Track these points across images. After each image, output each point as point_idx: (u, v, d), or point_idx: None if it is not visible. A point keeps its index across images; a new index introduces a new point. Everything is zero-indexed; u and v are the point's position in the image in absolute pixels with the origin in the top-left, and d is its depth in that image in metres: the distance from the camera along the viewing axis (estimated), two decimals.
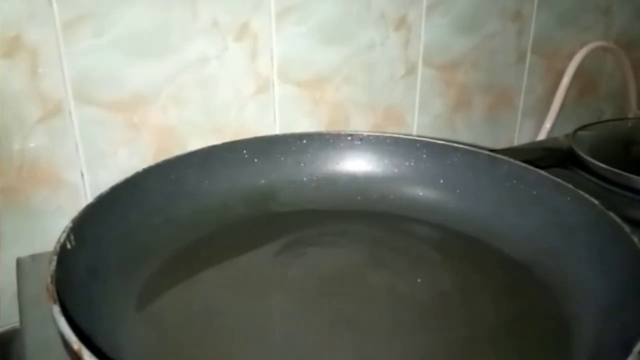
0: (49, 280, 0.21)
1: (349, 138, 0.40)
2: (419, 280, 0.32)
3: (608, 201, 0.30)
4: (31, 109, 0.40)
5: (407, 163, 0.39)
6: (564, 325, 0.27)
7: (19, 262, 0.35)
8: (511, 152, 0.39)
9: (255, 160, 0.39)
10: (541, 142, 0.61)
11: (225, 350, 0.26)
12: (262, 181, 0.38)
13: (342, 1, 0.49)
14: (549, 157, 0.47)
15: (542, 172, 0.34)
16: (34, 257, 0.36)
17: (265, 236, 0.36)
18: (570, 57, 0.67)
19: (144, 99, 0.43)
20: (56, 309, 0.19)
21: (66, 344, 0.18)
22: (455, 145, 0.38)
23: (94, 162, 0.43)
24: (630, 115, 0.72)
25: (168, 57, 0.43)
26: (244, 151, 0.38)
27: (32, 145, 0.40)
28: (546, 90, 0.68)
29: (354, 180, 0.40)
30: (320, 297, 0.31)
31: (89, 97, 0.41)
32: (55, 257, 0.23)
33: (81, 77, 0.41)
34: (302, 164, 0.40)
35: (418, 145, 0.39)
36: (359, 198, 0.39)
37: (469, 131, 0.62)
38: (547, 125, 0.67)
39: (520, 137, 0.67)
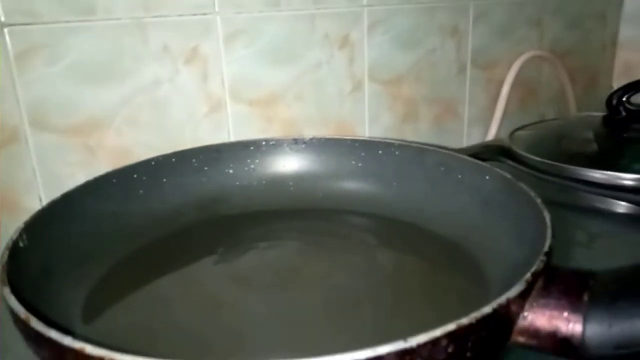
0: (0, 270, 0.22)
1: (294, 142, 0.43)
2: (359, 263, 0.34)
3: (541, 189, 0.33)
4: None
5: (347, 162, 0.42)
6: (484, 283, 0.30)
7: None
8: (454, 151, 0.42)
9: (205, 168, 0.41)
10: (483, 142, 0.65)
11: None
12: (213, 187, 0.40)
13: (287, 23, 0.52)
14: (487, 153, 0.51)
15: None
16: None
17: (215, 237, 0.38)
18: (508, 67, 0.72)
19: (98, 123, 0.45)
20: (7, 290, 0.21)
21: (16, 319, 0.20)
22: (388, 141, 0.41)
23: (52, 186, 0.44)
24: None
25: (121, 82, 0.45)
26: (193, 160, 0.40)
27: None
28: (489, 99, 0.72)
29: (300, 181, 0.42)
30: (269, 288, 0.32)
31: (45, 123, 0.43)
32: (7, 251, 0.24)
33: (36, 104, 0.42)
34: (251, 169, 0.42)
35: (356, 144, 0.42)
36: (306, 197, 0.41)
37: (419, 141, 0.66)
38: (492, 131, 0.71)
39: (468, 144, 0.71)
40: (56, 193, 0.44)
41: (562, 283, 0.22)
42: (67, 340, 0.18)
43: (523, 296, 0.21)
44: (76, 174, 0.45)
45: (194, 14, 0.47)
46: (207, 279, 0.33)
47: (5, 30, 0.40)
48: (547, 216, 0.26)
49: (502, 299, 0.20)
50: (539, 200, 0.28)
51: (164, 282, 0.33)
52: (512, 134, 0.58)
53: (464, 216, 0.35)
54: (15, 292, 0.21)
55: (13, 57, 0.40)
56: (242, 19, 0.50)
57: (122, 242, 0.34)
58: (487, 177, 0.34)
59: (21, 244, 0.26)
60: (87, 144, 0.45)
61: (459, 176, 0.37)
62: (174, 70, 0.47)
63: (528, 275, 0.21)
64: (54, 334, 0.18)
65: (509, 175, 0.33)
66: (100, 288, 0.31)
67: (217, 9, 0.48)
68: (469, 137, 0.71)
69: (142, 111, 0.47)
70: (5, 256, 0.24)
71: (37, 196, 0.44)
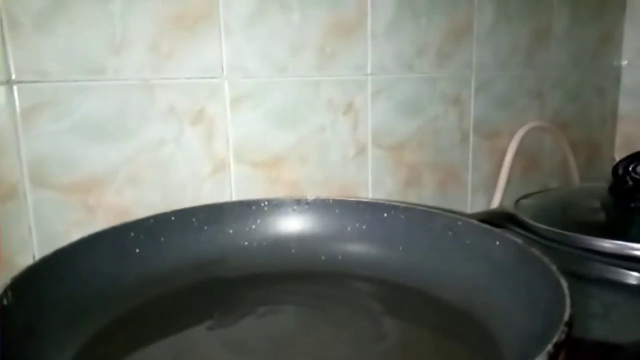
0: None
1: (296, 203, 0.42)
2: (362, 331, 0.32)
3: (549, 258, 0.32)
4: None
5: (351, 223, 0.41)
6: (497, 355, 0.27)
7: None
8: (462, 215, 0.41)
9: (205, 227, 0.40)
10: (488, 210, 0.65)
11: None
12: (212, 247, 0.39)
13: (293, 89, 0.53)
14: (493, 219, 0.50)
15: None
16: None
17: (212, 300, 0.36)
18: (510, 136, 0.72)
19: (99, 181, 0.44)
20: None
21: None
22: (393, 203, 0.40)
23: (47, 244, 0.43)
24: None
25: (125, 141, 0.45)
26: (193, 219, 0.39)
27: None
28: (492, 167, 0.72)
29: (302, 243, 0.41)
30: (266, 358, 0.30)
31: (45, 180, 0.42)
32: None
33: (38, 160, 0.42)
34: (252, 230, 0.41)
35: (361, 206, 0.41)
36: (308, 260, 0.40)
37: None
38: (496, 199, 0.70)
39: (472, 211, 0.70)
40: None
41: (586, 357, 0.20)
42: None
43: None
44: (73, 233, 0.44)
45: (202, 77, 0.48)
46: (201, 345, 0.31)
47: (15, 87, 0.40)
48: (564, 284, 0.25)
49: None
50: (554, 267, 0.27)
51: (154, 349, 0.31)
52: (517, 201, 0.57)
53: (474, 283, 0.34)
54: None
55: (19, 113, 0.41)
56: (249, 84, 0.51)
57: (114, 303, 0.33)
58: (497, 243, 0.33)
59: (5, 302, 0.25)
60: (87, 203, 0.44)
61: (468, 241, 0.36)
62: (180, 131, 0.48)
63: (549, 347, 0.20)
64: None
65: (520, 241, 0.31)
66: (86, 352, 0.29)
67: (224, 74, 0.49)
68: (473, 204, 0.70)
69: (145, 170, 0.46)
70: None
71: (32, 254, 0.42)
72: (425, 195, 0.65)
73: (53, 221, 0.43)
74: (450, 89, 0.65)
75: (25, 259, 0.42)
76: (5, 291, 0.25)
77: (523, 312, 0.28)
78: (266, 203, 0.42)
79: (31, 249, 0.42)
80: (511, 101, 0.73)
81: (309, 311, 0.35)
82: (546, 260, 0.28)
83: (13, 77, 0.40)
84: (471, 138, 0.69)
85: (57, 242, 0.43)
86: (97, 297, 0.32)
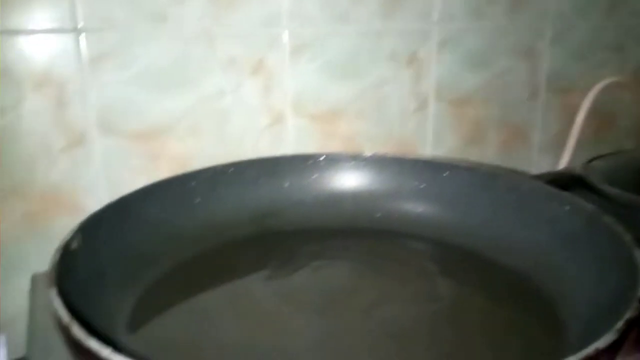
0: (50, 269, 0.22)
1: (353, 158, 0.41)
2: (416, 291, 0.32)
3: (621, 225, 0.30)
4: (56, 139, 0.42)
5: (409, 182, 0.40)
6: (557, 327, 0.26)
7: (34, 278, 0.36)
8: (524, 177, 0.39)
9: (262, 180, 0.40)
10: (555, 171, 0.61)
11: None
12: (268, 200, 0.39)
13: (354, 39, 0.51)
14: (560, 182, 0.47)
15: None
16: None
17: (267, 252, 0.36)
18: (585, 92, 0.67)
19: (163, 130, 0.45)
20: (53, 292, 0.20)
21: (59, 324, 0.19)
22: (454, 163, 0.39)
23: (114, 189, 0.44)
24: None
25: (186, 91, 0.46)
26: (251, 171, 0.40)
27: (55, 173, 0.42)
28: (562, 125, 0.68)
29: (358, 199, 0.40)
30: (319, 310, 0.31)
31: (111, 128, 0.44)
32: (59, 252, 0.24)
33: (104, 108, 0.43)
34: (308, 184, 0.41)
35: (420, 164, 0.40)
36: (363, 216, 0.40)
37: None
38: (564, 160, 0.66)
39: (537, 172, 0.67)
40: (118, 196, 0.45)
41: None
42: (105, 352, 0.17)
43: (614, 348, 0.18)
44: (138, 179, 0.45)
45: (262, 26, 0.47)
46: (257, 295, 0.32)
47: (82, 35, 0.41)
48: (638, 257, 0.23)
49: (589, 350, 0.17)
50: (627, 238, 0.25)
51: (212, 295, 0.32)
52: (587, 163, 0.54)
53: (537, 249, 0.32)
54: (62, 295, 0.20)
55: (87, 62, 0.42)
56: (308, 33, 0.49)
57: (174, 250, 0.34)
58: (567, 208, 0.31)
59: (74, 246, 0.26)
60: (151, 150, 0.45)
61: (533, 205, 0.34)
62: (239, 82, 0.47)
63: (620, 323, 0.19)
64: (93, 344, 0.17)
65: (591, 207, 0.29)
66: (148, 296, 0.30)
67: (284, 23, 0.48)
68: (539, 165, 0.67)
69: (205, 121, 0.47)
70: (57, 257, 0.24)
71: (100, 199, 0.44)
72: (488, 153, 0.63)
73: (119, 168, 0.45)
74: (522, 40, 0.61)
75: (94, 203, 0.44)
76: (73, 236, 0.26)
77: (590, 284, 0.27)
78: (323, 158, 0.41)
79: (99, 194, 0.44)
80: (589, 54, 0.67)
81: (362, 268, 0.35)
82: (619, 229, 0.26)
83: (80, 25, 0.41)
84: (542, 93, 0.65)
85: (123, 188, 0.44)
86: (160, 243, 0.33)
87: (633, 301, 0.20)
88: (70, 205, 0.44)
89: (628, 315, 0.19)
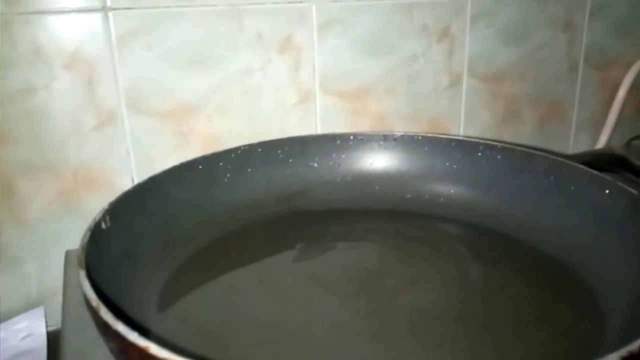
0: (79, 250, 0.22)
1: (383, 138, 0.40)
2: (447, 275, 0.31)
3: None
4: (87, 118, 0.42)
5: (441, 162, 0.39)
6: (599, 317, 0.25)
7: (67, 254, 0.37)
8: (566, 157, 0.37)
9: (290, 160, 0.39)
10: (594, 150, 0.59)
11: (246, 352, 0.26)
12: (296, 180, 0.39)
13: (384, 14, 0.50)
14: (599, 162, 0.45)
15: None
16: None
17: (295, 232, 0.36)
18: (626, 68, 0.64)
19: (191, 109, 0.45)
20: (82, 274, 0.20)
21: (89, 306, 0.19)
22: (490, 142, 0.37)
23: (144, 168, 0.45)
24: None
25: (214, 69, 0.45)
26: (279, 151, 0.39)
27: (86, 151, 0.43)
28: (601, 102, 0.65)
29: (387, 180, 0.40)
30: (347, 292, 0.31)
31: (141, 107, 0.44)
32: (89, 232, 0.24)
33: (134, 87, 0.43)
34: (336, 164, 0.40)
35: (453, 144, 0.38)
36: (393, 198, 0.39)
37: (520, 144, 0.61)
38: (603, 139, 0.64)
39: (574, 151, 0.65)
40: (148, 175, 0.45)
41: None
42: (132, 336, 0.17)
43: None
44: (168, 158, 0.45)
45: (290, 2, 0.46)
46: (285, 276, 0.32)
47: (110, 14, 0.41)
48: None
49: (633, 346, 0.17)
50: None
51: (240, 275, 0.32)
52: (629, 142, 0.52)
53: (575, 235, 0.31)
54: (91, 277, 0.21)
55: (115, 40, 0.41)
56: (337, 8, 0.48)
57: (203, 230, 0.34)
58: (607, 192, 0.30)
59: (104, 226, 0.26)
60: (180, 129, 0.45)
61: (572, 188, 0.32)
62: (267, 59, 0.47)
63: None
64: (120, 327, 0.18)
65: (634, 192, 0.28)
66: (177, 276, 0.31)
67: None
68: (576, 144, 0.65)
69: (233, 99, 0.46)
70: (87, 238, 0.24)
71: (130, 177, 0.45)
72: (523, 131, 0.61)
73: (149, 146, 0.45)
74: (561, 13, 0.58)
75: (125, 181, 0.45)
76: (103, 215, 0.26)
77: (630, 269, 0.26)
78: (352, 137, 0.41)
79: (130, 173, 0.45)
80: (631, 27, 0.64)
81: (391, 250, 0.35)
82: None
83: (108, 3, 0.41)
84: (580, 69, 0.62)
85: (154, 166, 0.45)
86: (189, 223, 0.33)
87: None
88: (101, 183, 0.44)
89: None
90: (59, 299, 0.40)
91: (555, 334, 0.26)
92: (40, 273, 0.44)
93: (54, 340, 0.39)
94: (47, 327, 0.41)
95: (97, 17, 0.41)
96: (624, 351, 0.16)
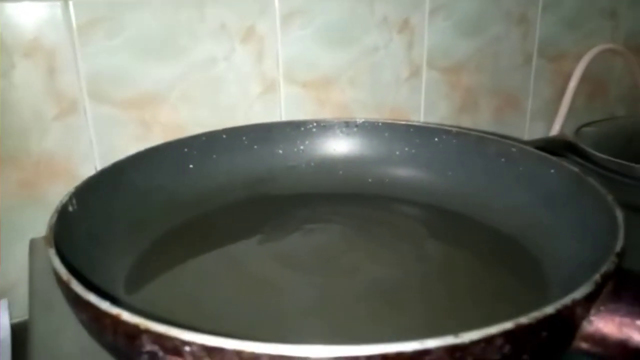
0: (48, 230, 0.22)
1: (345, 125, 0.42)
2: (405, 252, 0.33)
3: (609, 189, 0.30)
4: (48, 107, 0.42)
5: (400, 147, 0.40)
6: (542, 285, 0.27)
7: (32, 242, 0.37)
8: (517, 141, 0.39)
9: (255, 146, 0.40)
10: (547, 137, 0.62)
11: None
12: (261, 166, 0.40)
13: (346, 5, 0.51)
14: (551, 147, 0.48)
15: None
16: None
17: (260, 217, 0.37)
18: (577, 59, 0.68)
19: (154, 98, 0.45)
20: (52, 251, 0.21)
21: (59, 281, 0.20)
22: (446, 128, 0.39)
23: (108, 157, 0.45)
24: None
25: (177, 58, 0.45)
26: (244, 137, 0.40)
27: (48, 141, 0.43)
28: (554, 92, 0.68)
29: (350, 165, 0.41)
30: (311, 272, 0.32)
31: (103, 96, 0.44)
32: (56, 214, 0.24)
33: (95, 76, 0.43)
34: (300, 150, 0.41)
35: (411, 130, 0.40)
36: (355, 182, 0.40)
37: None
38: (556, 127, 0.67)
39: (529, 139, 0.67)
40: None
41: (635, 288, 0.20)
42: (104, 305, 0.18)
43: (590, 298, 0.19)
44: (131, 148, 0.45)
45: None
46: (251, 257, 0.33)
47: (70, 2, 0.41)
48: (619, 215, 0.24)
49: (566, 300, 0.18)
50: (610, 198, 0.26)
51: (208, 258, 0.33)
52: (578, 129, 0.55)
53: (524, 212, 0.33)
54: (60, 254, 0.21)
55: (76, 29, 0.41)
56: None
57: (169, 215, 0.34)
58: (553, 171, 0.32)
59: (70, 209, 0.26)
60: (143, 118, 0.45)
61: (521, 168, 0.34)
62: (230, 49, 0.47)
63: (597, 276, 0.19)
64: (92, 298, 0.18)
65: (576, 170, 0.30)
66: (144, 260, 0.31)
67: None
68: (531, 132, 0.68)
69: (197, 88, 0.47)
70: (54, 219, 0.24)
71: (94, 167, 0.45)
72: (481, 121, 0.63)
73: (112, 135, 0.45)
74: (515, 7, 0.61)
75: (88, 171, 0.44)
76: (70, 198, 0.27)
77: (574, 242, 0.28)
78: (315, 124, 0.42)
79: (93, 162, 0.45)
80: (582, 21, 0.67)
81: (352, 231, 0.36)
82: (603, 190, 0.27)
83: None
84: (534, 60, 0.65)
85: (117, 156, 0.44)
86: (154, 208, 0.34)
87: (611, 255, 0.21)
88: (64, 173, 0.44)
89: (605, 268, 0.20)
90: (22, 290, 0.40)
91: (507, 303, 0.28)
92: (2, 265, 0.43)
93: (17, 333, 0.39)
94: (10, 319, 0.41)
95: (57, 5, 0.40)
96: (557, 304, 0.18)
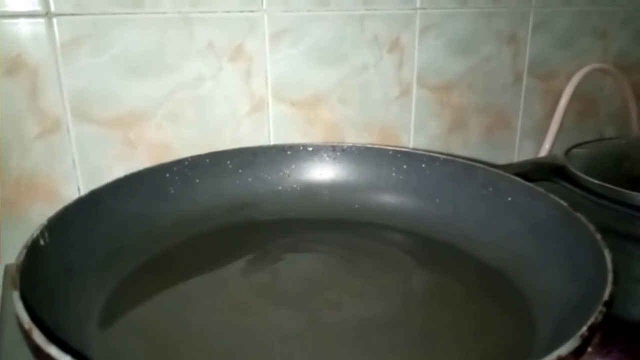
0: (14, 269, 0.21)
1: (332, 149, 0.41)
2: (390, 284, 0.32)
3: (599, 215, 0.30)
4: (30, 125, 0.41)
5: (388, 173, 0.40)
6: (530, 322, 0.27)
7: (7, 269, 0.36)
8: (503, 167, 0.39)
9: (240, 170, 0.39)
10: (536, 159, 0.62)
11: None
12: (246, 191, 0.39)
13: (335, 24, 0.51)
14: (540, 172, 0.48)
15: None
16: None
17: (244, 243, 0.36)
18: (567, 79, 0.68)
19: (140, 116, 0.45)
20: (16, 295, 0.20)
21: (21, 328, 0.19)
22: (433, 155, 0.39)
23: (91, 177, 0.44)
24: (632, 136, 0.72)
25: (164, 76, 0.45)
26: (228, 162, 0.39)
27: (30, 160, 0.42)
28: (545, 111, 0.68)
29: (336, 190, 0.41)
30: (293, 304, 0.31)
31: (87, 114, 0.43)
32: (24, 250, 0.24)
33: (79, 94, 0.42)
34: (286, 175, 0.41)
35: (399, 156, 0.40)
36: (341, 207, 0.40)
37: (467, 152, 0.63)
38: (547, 146, 0.67)
39: (519, 158, 0.67)
40: (95, 184, 0.44)
41: (624, 340, 0.19)
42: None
43: (577, 354, 0.19)
44: (115, 167, 0.45)
45: (241, 11, 0.46)
46: (233, 287, 0.32)
47: (54, 20, 0.40)
48: (608, 257, 0.24)
49: (551, 357, 0.18)
50: (599, 237, 0.25)
51: (187, 288, 0.32)
52: (568, 151, 0.54)
53: (512, 244, 0.32)
54: (27, 297, 0.20)
55: (59, 46, 0.40)
56: (289, 18, 0.48)
57: (148, 243, 0.34)
58: (540, 203, 0.31)
59: (42, 242, 0.25)
60: (128, 137, 0.45)
61: (509, 199, 0.34)
62: (218, 67, 0.47)
63: (584, 329, 0.19)
64: (52, 351, 0.17)
65: (565, 204, 0.30)
66: (121, 291, 0.30)
67: (264, 7, 0.47)
68: (521, 151, 0.67)
69: (184, 107, 0.46)
70: (22, 255, 0.23)
71: (76, 187, 0.44)
72: (471, 140, 0.63)
73: (96, 155, 0.44)
74: (506, 26, 0.61)
75: (71, 190, 0.44)
76: (42, 232, 0.26)
77: (562, 278, 0.27)
78: (301, 148, 0.41)
79: (76, 182, 0.44)
80: (572, 40, 0.67)
81: (337, 261, 0.35)
82: (592, 227, 0.27)
83: (52, 9, 0.40)
84: (524, 80, 0.65)
85: (100, 175, 0.44)
86: (133, 236, 0.33)
87: (598, 305, 0.20)
88: (46, 192, 0.43)
89: (592, 320, 0.19)
90: None
91: (491, 340, 0.27)
92: None
93: None
94: None
95: (41, 22, 0.40)
96: (553, 355, 0.17)
